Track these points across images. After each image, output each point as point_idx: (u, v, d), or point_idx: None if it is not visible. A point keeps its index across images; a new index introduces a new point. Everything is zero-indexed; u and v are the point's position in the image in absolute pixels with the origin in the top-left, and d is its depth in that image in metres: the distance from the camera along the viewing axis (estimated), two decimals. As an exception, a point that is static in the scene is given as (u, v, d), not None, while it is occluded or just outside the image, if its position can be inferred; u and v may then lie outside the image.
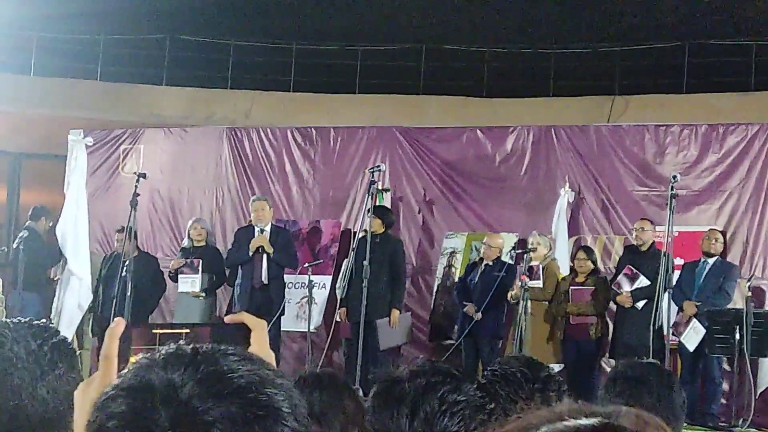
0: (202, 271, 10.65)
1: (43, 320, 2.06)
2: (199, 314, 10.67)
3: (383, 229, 10.05)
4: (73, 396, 1.31)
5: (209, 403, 1.04)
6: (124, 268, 9.60)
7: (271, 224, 10.51)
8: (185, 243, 11.15)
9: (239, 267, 10.43)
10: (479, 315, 10.02)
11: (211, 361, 1.09)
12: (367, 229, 9.51)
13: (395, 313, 9.92)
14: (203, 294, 10.67)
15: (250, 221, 11.24)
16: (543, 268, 10.05)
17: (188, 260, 10.73)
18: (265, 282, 10.11)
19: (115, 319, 1.38)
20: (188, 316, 10.68)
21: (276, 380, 1.11)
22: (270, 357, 1.32)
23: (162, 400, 1.04)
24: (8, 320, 1.99)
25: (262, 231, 10.25)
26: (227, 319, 1.36)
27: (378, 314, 9.63)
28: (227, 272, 10.98)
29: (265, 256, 10.14)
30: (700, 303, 9.52)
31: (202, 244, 10.94)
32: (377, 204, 10.34)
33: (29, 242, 11.24)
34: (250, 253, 10.13)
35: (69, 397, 1.86)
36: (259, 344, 1.33)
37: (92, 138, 12.23)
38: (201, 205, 12.58)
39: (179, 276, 10.71)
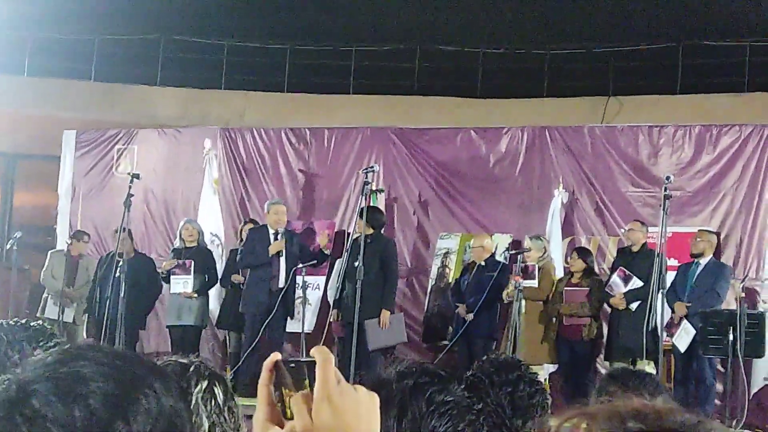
0: (195, 272, 10.63)
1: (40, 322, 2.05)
2: (192, 315, 10.66)
3: (371, 231, 9.94)
4: None
5: (52, 406, 1.13)
6: (117, 269, 9.57)
7: (285, 228, 10.44)
8: (177, 244, 11.13)
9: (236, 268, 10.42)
10: (470, 316, 10.01)
11: (67, 366, 1.17)
12: (359, 230, 9.48)
13: (385, 313, 9.78)
14: (195, 295, 10.66)
15: (248, 221, 11.22)
16: (539, 269, 10.04)
17: (180, 261, 10.71)
18: (282, 285, 10.05)
19: (273, 353, 1.30)
20: (181, 317, 10.67)
21: (130, 388, 1.19)
22: (340, 394, 1.22)
23: (10, 395, 1.15)
24: (3, 322, 1.99)
25: (276, 234, 10.17)
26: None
27: (368, 315, 9.53)
28: (219, 273, 10.99)
29: (282, 259, 10.08)
30: (690, 304, 9.53)
31: (194, 244, 10.92)
32: (371, 205, 10.30)
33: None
34: (270, 256, 10.08)
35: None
36: (321, 381, 1.22)
37: (86, 137, 12.23)
38: (195, 205, 12.56)
39: (171, 277, 10.69)
